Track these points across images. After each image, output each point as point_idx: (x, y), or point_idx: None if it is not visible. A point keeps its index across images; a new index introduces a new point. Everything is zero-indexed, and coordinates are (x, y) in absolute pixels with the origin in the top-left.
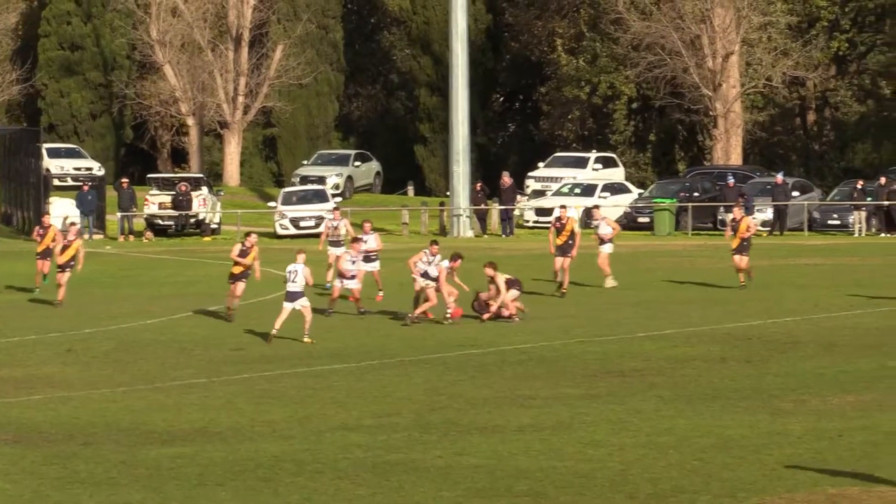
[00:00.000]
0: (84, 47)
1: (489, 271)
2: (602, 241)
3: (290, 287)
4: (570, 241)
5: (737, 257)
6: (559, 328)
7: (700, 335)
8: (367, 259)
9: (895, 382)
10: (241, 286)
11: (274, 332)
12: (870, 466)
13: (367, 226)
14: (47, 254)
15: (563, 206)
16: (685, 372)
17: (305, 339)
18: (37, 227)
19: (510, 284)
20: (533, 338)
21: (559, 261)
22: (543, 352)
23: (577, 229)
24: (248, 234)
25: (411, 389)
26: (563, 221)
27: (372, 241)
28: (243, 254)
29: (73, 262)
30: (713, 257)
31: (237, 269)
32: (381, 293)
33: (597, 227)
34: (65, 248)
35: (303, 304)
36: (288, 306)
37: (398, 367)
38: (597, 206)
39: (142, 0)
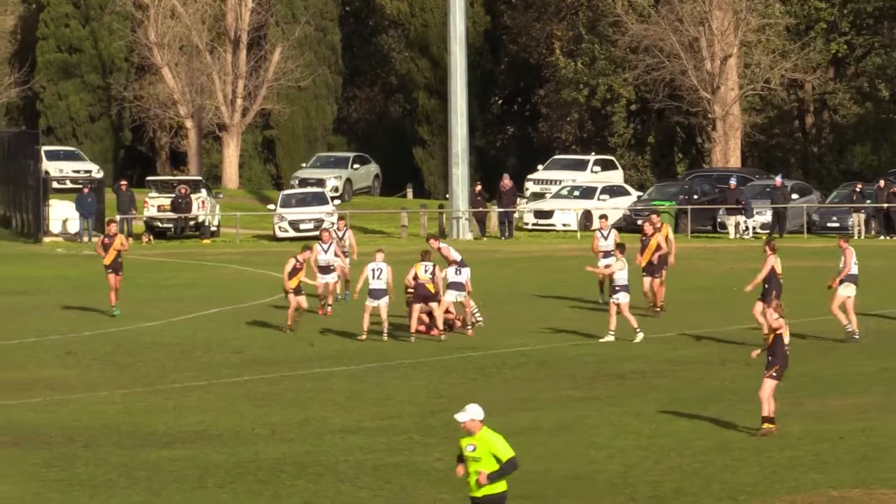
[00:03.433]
0: (82, 50)
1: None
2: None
3: (374, 284)
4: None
5: (646, 280)
6: (558, 331)
7: (700, 337)
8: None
9: (895, 385)
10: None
11: (364, 333)
12: (870, 469)
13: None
14: (118, 267)
15: (652, 213)
16: (685, 374)
17: (384, 337)
18: (101, 237)
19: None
20: (532, 340)
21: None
22: (543, 355)
23: (671, 234)
24: (303, 249)
25: (412, 392)
26: (658, 227)
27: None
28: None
29: (120, 260)
30: (712, 260)
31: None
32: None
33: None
34: (105, 247)
35: (385, 302)
36: (371, 304)
37: (398, 369)
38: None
39: (140, 2)
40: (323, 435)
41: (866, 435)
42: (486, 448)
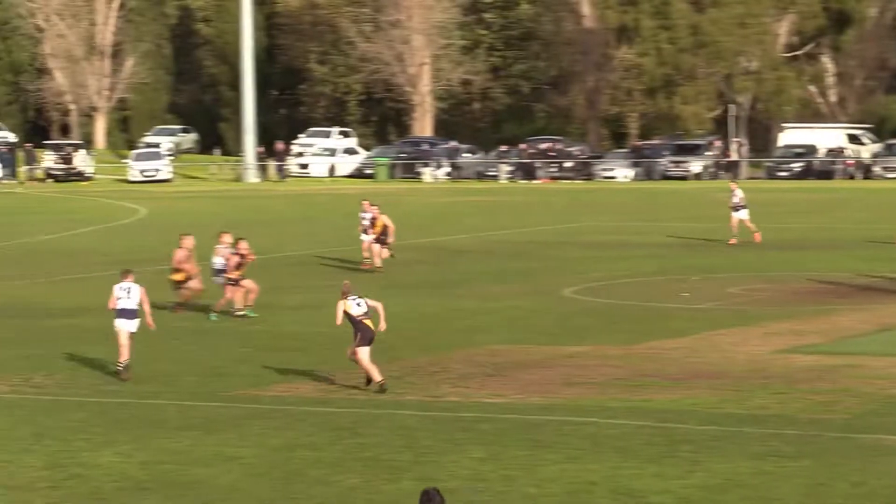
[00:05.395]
0: (1, 58)
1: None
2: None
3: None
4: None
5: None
6: None
7: (407, 246)
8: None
9: (533, 277)
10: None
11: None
12: (517, 332)
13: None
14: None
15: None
16: (397, 270)
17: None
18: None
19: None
20: None
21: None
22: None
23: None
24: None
25: None
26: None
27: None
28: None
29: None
30: (415, 196)
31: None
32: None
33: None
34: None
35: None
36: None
37: None
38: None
39: (38, 27)
40: (163, 310)
41: (511, 310)
42: None
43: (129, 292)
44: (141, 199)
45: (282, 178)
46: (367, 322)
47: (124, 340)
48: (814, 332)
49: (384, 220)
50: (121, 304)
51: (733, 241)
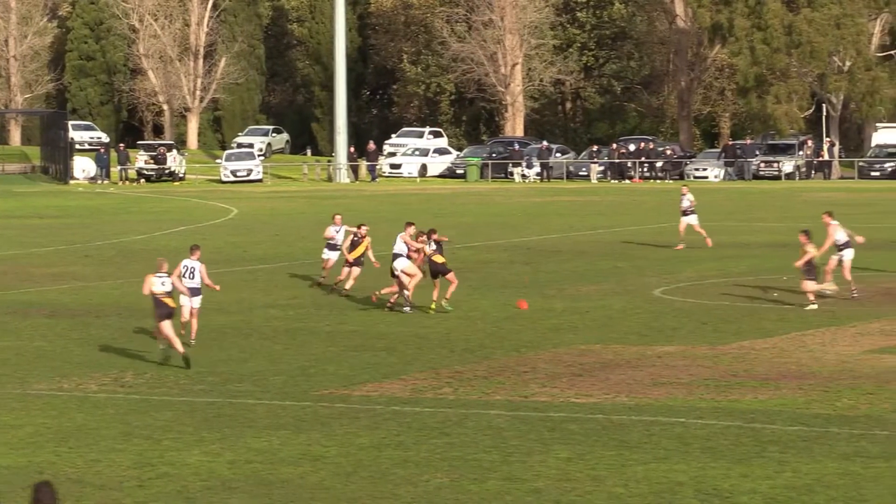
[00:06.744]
0: (95, 59)
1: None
2: None
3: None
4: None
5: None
6: None
7: (497, 246)
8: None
9: (622, 277)
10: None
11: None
12: (605, 331)
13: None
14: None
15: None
16: (488, 270)
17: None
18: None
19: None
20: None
21: None
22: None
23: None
24: (359, 226)
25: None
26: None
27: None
28: (354, 245)
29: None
30: (506, 195)
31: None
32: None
33: None
34: (354, 245)
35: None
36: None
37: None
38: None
39: (133, 27)
40: (252, 309)
41: (603, 310)
42: None
43: (192, 273)
44: (232, 199)
45: (373, 178)
46: (166, 300)
47: (187, 316)
48: None
49: (368, 243)
50: (184, 283)
51: (680, 246)
